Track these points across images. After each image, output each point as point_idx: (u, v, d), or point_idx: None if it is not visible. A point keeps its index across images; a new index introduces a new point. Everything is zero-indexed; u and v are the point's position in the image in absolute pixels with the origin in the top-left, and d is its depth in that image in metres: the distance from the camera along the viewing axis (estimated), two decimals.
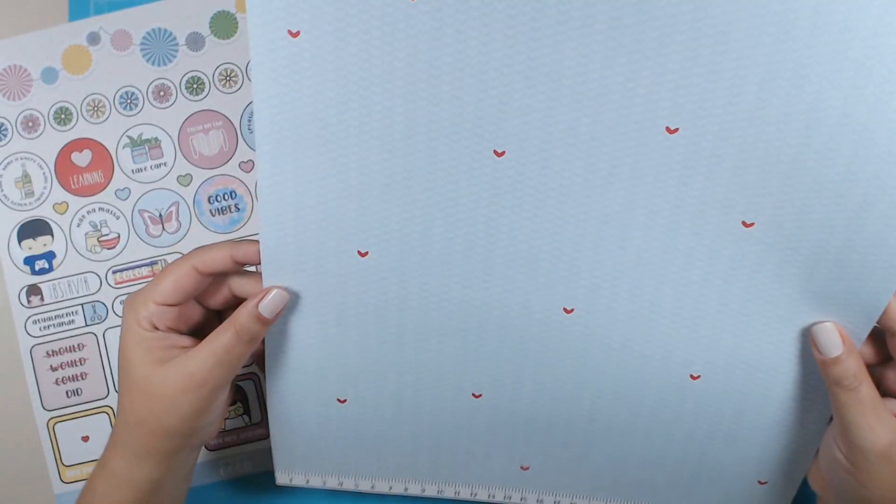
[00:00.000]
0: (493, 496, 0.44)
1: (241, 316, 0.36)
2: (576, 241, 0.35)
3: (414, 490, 0.44)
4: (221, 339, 0.36)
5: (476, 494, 0.44)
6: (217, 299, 0.39)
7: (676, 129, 0.32)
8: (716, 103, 0.31)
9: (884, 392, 0.35)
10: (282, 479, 0.44)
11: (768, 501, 0.42)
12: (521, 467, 0.43)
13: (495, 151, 0.34)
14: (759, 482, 0.41)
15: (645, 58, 0.31)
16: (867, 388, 0.33)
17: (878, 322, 0.34)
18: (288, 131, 0.34)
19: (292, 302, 0.38)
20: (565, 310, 0.37)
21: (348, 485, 0.44)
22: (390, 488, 0.44)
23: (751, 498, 0.42)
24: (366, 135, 0.34)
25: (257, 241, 0.37)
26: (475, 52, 0.32)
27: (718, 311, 0.36)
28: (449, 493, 0.44)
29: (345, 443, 0.42)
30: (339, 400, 0.41)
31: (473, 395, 0.40)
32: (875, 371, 0.35)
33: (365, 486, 0.44)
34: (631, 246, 0.35)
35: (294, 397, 0.41)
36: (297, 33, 0.32)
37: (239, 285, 0.38)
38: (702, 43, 0.30)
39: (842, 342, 0.34)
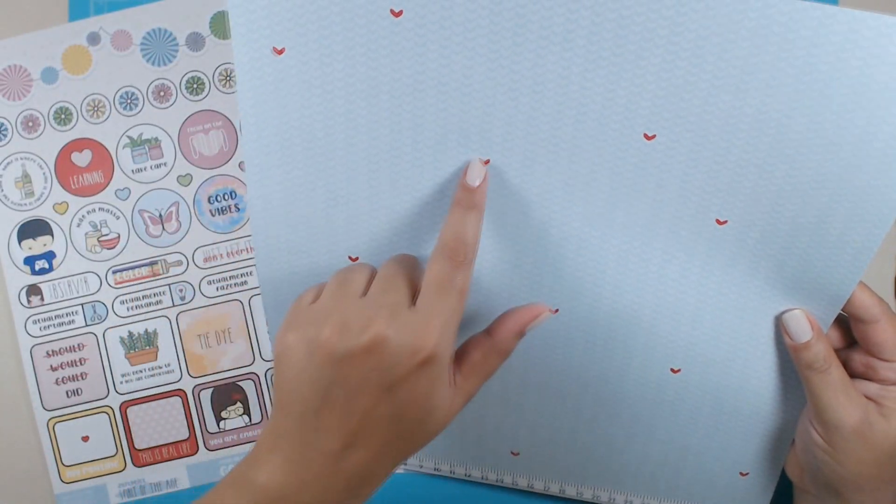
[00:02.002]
0: (486, 477, 0.47)
1: (506, 340, 0.35)
2: (559, 244, 0.37)
3: (412, 463, 0.47)
4: (491, 363, 0.35)
5: (470, 475, 0.47)
6: None
7: (654, 136, 0.34)
8: (692, 111, 0.33)
9: (851, 374, 0.38)
10: None
11: (750, 492, 0.44)
12: (512, 453, 0.45)
13: (480, 161, 0.36)
14: (741, 474, 0.43)
15: (623, 69, 0.33)
16: (837, 370, 0.37)
17: (843, 309, 0.37)
18: (275, 145, 0.36)
19: (290, 299, 0.39)
20: (550, 310, 0.38)
21: None
22: None
23: (734, 490, 0.44)
24: (352, 148, 0.36)
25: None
26: (459, 66, 0.33)
27: (696, 306, 0.38)
28: (445, 471, 0.47)
29: None
30: None
31: None
32: (841, 354, 0.38)
33: None
34: (612, 247, 0.37)
35: None
36: (282, 51, 0.34)
37: None
38: (678, 56, 0.32)
39: (811, 328, 0.37)
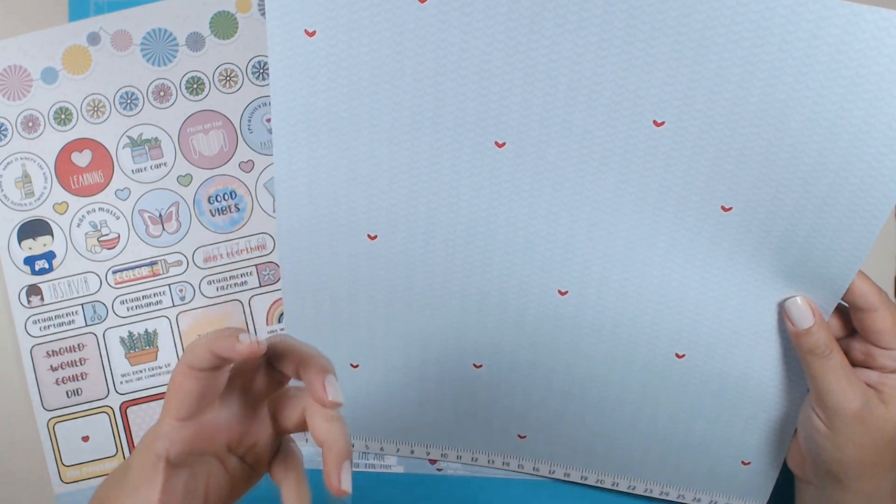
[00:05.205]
0: (493, 462, 0.48)
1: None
2: (570, 226, 0.39)
3: (420, 453, 0.48)
4: None
5: (477, 460, 0.48)
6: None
7: (663, 123, 0.36)
8: (699, 99, 0.35)
9: (851, 362, 0.39)
10: (300, 438, 0.48)
11: (752, 482, 0.45)
12: (519, 436, 0.47)
13: (496, 143, 0.38)
14: (743, 463, 0.45)
15: (634, 57, 0.35)
16: (838, 356, 0.38)
17: (843, 298, 0.39)
18: (302, 124, 0.38)
19: (308, 279, 0.42)
20: (560, 292, 0.41)
21: (359, 446, 0.48)
22: (398, 451, 0.48)
23: (735, 478, 0.45)
24: (375, 128, 0.38)
25: (237, 332, 0.33)
26: (479, 52, 0.36)
27: (700, 292, 0.40)
28: (452, 457, 0.48)
29: (358, 405, 0.46)
30: (352, 365, 0.45)
31: (475, 365, 0.44)
32: (842, 343, 0.40)
33: (374, 448, 0.48)
34: (620, 231, 0.39)
35: None
36: (314, 33, 0.36)
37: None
38: (686, 45, 0.34)
39: (812, 315, 0.38)
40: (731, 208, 0.38)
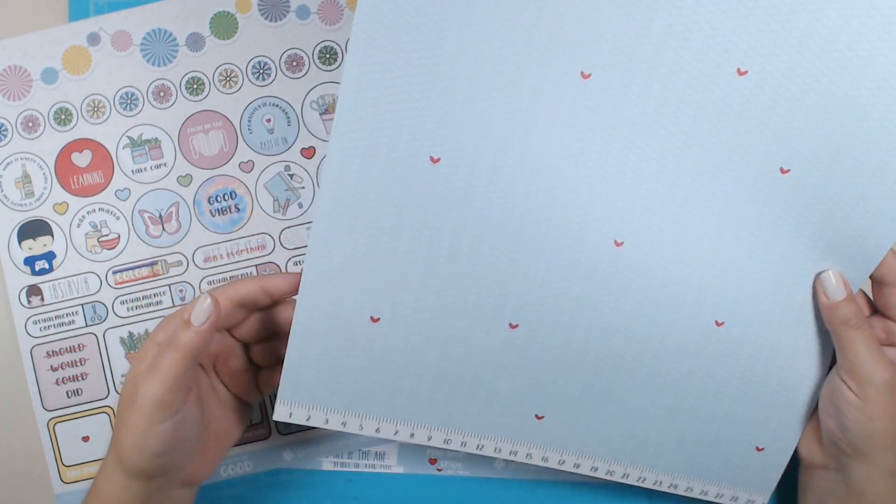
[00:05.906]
0: (500, 450, 0.46)
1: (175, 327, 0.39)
2: (637, 169, 0.39)
3: (420, 437, 0.45)
4: (160, 354, 0.38)
5: (483, 447, 0.45)
6: (245, 330, 0.42)
7: (746, 71, 0.37)
8: (786, 50, 0.36)
9: None
10: (281, 412, 0.43)
11: (762, 470, 0.45)
12: (536, 416, 0.45)
13: (583, 73, 0.38)
14: (757, 449, 0.45)
15: (730, 6, 0.36)
16: (868, 328, 0.39)
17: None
18: (387, 29, 0.37)
19: (346, 203, 0.39)
20: (616, 242, 0.40)
21: (352, 426, 0.44)
22: (396, 433, 0.45)
23: (747, 467, 0.45)
24: (463, 41, 0.37)
25: (287, 275, 0.41)
26: None
27: (748, 256, 0.40)
28: (455, 444, 0.45)
29: (362, 374, 0.43)
30: (372, 318, 0.42)
31: (511, 325, 0.42)
32: None
33: (369, 429, 0.44)
34: (682, 184, 0.39)
35: (326, 312, 0.41)
36: None
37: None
38: None
39: (844, 287, 0.39)
40: (788, 170, 0.38)
